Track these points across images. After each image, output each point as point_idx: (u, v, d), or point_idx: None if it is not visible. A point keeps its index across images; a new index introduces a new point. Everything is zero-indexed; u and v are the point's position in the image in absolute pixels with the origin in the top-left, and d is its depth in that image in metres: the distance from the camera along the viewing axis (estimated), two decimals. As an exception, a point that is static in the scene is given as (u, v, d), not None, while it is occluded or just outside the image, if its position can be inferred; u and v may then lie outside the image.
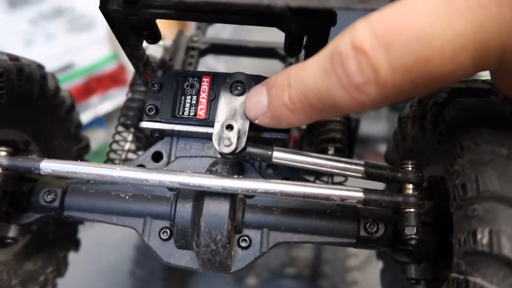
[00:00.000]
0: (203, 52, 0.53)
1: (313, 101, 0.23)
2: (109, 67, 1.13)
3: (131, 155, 0.46)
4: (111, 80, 1.14)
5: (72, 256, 0.48)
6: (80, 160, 0.34)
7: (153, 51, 0.51)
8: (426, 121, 0.33)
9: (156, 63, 0.47)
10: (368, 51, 0.20)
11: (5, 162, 0.33)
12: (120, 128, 0.47)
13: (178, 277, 1.15)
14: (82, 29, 1.08)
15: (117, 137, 0.47)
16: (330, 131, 0.44)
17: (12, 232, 0.37)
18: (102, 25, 1.09)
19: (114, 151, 0.46)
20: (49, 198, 0.36)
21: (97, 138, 1.16)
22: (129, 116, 0.47)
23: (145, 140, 0.48)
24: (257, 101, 0.28)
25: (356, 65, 0.20)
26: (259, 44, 0.53)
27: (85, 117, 1.13)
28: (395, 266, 0.43)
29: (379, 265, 0.48)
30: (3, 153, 0.34)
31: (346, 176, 0.32)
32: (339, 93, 0.22)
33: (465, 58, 0.19)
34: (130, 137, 0.47)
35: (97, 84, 1.11)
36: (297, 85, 0.24)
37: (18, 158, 0.34)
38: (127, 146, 0.46)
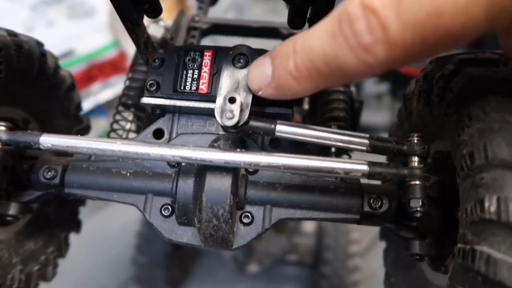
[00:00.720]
0: (204, 32, 0.52)
1: (319, 67, 0.23)
2: (110, 54, 1.12)
3: (132, 135, 0.46)
4: (112, 67, 1.13)
5: (74, 244, 0.48)
6: None
7: (154, 31, 0.50)
8: (432, 94, 0.32)
9: (157, 43, 0.47)
10: (378, 8, 0.19)
11: (4, 136, 0.33)
12: (121, 108, 0.47)
13: (180, 264, 1.15)
14: (83, 16, 1.07)
15: (118, 117, 0.47)
16: (334, 109, 0.44)
17: (13, 209, 0.37)
18: (102, 12, 1.08)
19: (115, 130, 0.46)
20: (49, 175, 0.36)
21: (98, 126, 1.16)
22: (130, 95, 0.46)
23: (145, 119, 0.47)
24: (261, 72, 0.27)
25: (365, 25, 0.20)
26: (262, 24, 0.52)
27: (86, 104, 1.13)
28: (398, 246, 0.42)
29: (380, 251, 0.48)
30: (2, 128, 0.33)
31: (350, 149, 0.31)
32: (346, 55, 0.21)
33: (478, 10, 0.18)
34: (130, 116, 0.46)
35: (98, 71, 1.11)
36: (303, 51, 0.23)
37: (18, 132, 0.33)
38: (128, 125, 0.46)
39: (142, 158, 0.32)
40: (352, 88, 0.50)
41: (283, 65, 0.25)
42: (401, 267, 0.40)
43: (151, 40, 0.41)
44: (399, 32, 0.19)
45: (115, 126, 0.46)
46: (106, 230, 1.23)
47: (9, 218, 0.37)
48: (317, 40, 0.23)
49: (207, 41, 0.56)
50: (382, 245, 0.47)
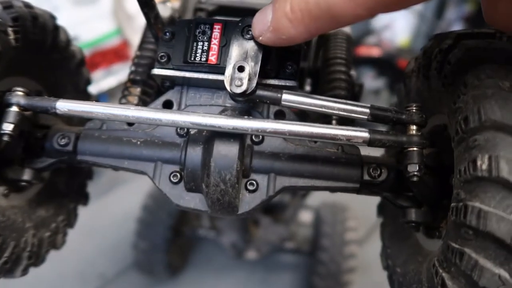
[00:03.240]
0: (210, 14, 0.54)
1: (311, 8, 0.25)
2: (113, 42, 1.13)
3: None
4: (114, 55, 1.14)
5: (73, 231, 0.49)
6: None
7: (162, 12, 0.51)
8: (431, 69, 0.34)
9: (165, 21, 0.48)
10: None
11: (22, 101, 0.34)
12: (129, 84, 0.48)
13: (179, 251, 1.17)
14: (87, 2, 1.08)
15: (126, 93, 0.48)
16: (335, 88, 0.45)
17: (26, 175, 0.38)
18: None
19: (123, 106, 0.47)
20: (63, 142, 0.37)
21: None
22: (138, 72, 0.48)
23: (153, 96, 0.49)
24: (263, 17, 0.29)
25: None
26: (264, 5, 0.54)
27: (88, 91, 1.14)
28: (394, 220, 0.44)
29: (377, 238, 0.49)
30: (20, 93, 0.35)
31: (352, 119, 0.33)
32: None
33: None
34: (138, 92, 0.47)
35: (101, 58, 1.12)
36: None
37: (35, 97, 0.35)
38: (136, 101, 0.47)
39: (154, 123, 0.33)
40: (353, 72, 0.52)
41: (281, 7, 0.27)
42: (397, 239, 0.42)
43: (160, 17, 0.42)
44: None
45: (123, 101, 0.47)
46: (106, 217, 1.24)
47: (22, 184, 0.39)
48: None
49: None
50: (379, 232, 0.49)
